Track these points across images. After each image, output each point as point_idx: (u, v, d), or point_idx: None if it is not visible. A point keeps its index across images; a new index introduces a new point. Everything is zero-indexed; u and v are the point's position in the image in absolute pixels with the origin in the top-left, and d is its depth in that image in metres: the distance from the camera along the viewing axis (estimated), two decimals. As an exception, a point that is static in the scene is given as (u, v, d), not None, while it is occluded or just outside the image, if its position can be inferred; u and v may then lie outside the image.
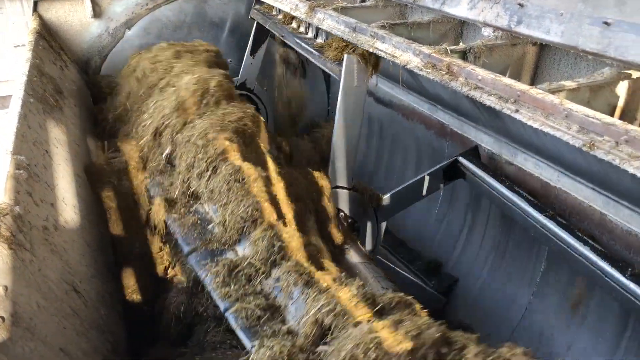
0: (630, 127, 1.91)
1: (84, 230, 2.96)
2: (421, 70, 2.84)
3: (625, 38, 2.26)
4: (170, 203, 3.13)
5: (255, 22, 4.94)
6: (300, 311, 2.20)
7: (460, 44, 3.37)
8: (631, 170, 1.84)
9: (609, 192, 2.65)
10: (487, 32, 3.07)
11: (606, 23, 2.32)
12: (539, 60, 3.15)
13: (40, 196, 2.65)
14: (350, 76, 3.29)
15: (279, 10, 4.33)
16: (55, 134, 3.44)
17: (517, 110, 2.31)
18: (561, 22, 2.55)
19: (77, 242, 2.79)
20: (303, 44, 3.94)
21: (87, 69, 5.27)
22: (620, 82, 2.49)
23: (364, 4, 4.14)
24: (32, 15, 4.97)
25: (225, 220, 2.76)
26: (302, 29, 4.09)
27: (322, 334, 2.05)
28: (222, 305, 2.44)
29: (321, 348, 1.99)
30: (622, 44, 2.28)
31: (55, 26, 5.08)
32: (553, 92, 2.31)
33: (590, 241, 2.52)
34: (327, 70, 3.60)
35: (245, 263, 2.54)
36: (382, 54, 3.17)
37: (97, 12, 5.18)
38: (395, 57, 3.06)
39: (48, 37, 4.83)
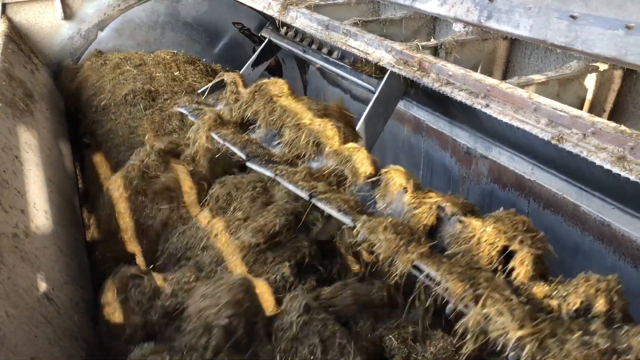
0: (596, 119, 1.93)
1: (56, 236, 2.92)
2: (393, 67, 2.85)
3: (591, 31, 2.29)
4: (220, 120, 3.17)
5: (267, 39, 4.91)
6: (404, 208, 2.18)
7: (432, 40, 3.39)
8: (598, 162, 1.87)
9: (581, 183, 2.68)
10: (458, 27, 3.08)
11: (573, 17, 2.35)
12: (510, 55, 3.18)
13: (9, 203, 2.60)
14: (388, 89, 3.24)
15: (295, 32, 4.32)
16: (26, 139, 3.39)
17: (487, 105, 2.33)
18: (530, 16, 2.57)
19: (49, 248, 2.74)
20: (331, 59, 3.95)
21: (59, 72, 5.20)
22: (588, 74, 2.52)
23: (336, 1, 4.14)
24: (1, 18, 4.88)
25: (297, 138, 2.77)
26: (325, 49, 4.07)
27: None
28: (304, 194, 2.42)
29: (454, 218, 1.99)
30: (589, 37, 2.31)
31: (25, 29, 5.00)
32: (522, 86, 2.33)
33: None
34: (361, 82, 3.63)
35: (328, 170, 2.54)
36: (355, 52, 3.17)
37: (67, 14, 5.10)
38: (368, 54, 3.06)
39: (18, 40, 4.74)
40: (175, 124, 4.19)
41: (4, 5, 4.86)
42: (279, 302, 2.47)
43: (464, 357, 1.73)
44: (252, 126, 3.14)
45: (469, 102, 2.41)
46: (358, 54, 3.17)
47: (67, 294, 2.61)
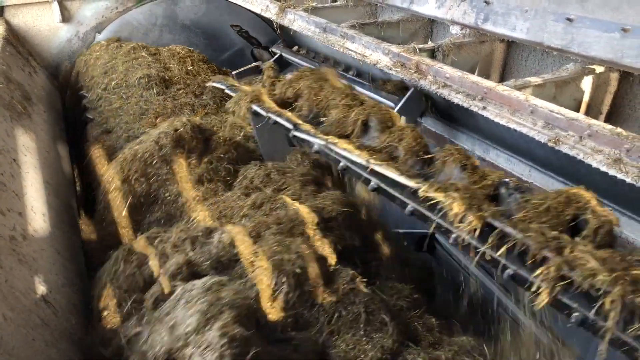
0: (592, 121, 1.94)
1: (54, 238, 2.91)
2: (390, 69, 2.85)
3: (587, 34, 2.29)
4: (260, 97, 3.21)
5: (278, 54, 4.95)
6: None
7: (429, 42, 3.39)
8: (594, 164, 1.87)
9: (578, 185, 2.68)
10: (455, 30, 3.09)
11: (569, 19, 2.36)
12: (507, 57, 3.19)
13: (7, 205, 2.59)
14: (408, 107, 3.22)
15: (307, 50, 4.35)
16: (24, 142, 3.38)
17: (484, 107, 2.33)
18: (526, 19, 2.58)
19: (46, 250, 2.74)
20: (349, 76, 3.91)
21: (57, 74, 5.20)
22: (585, 77, 2.53)
23: (334, 4, 4.15)
24: (-1, 20, 4.89)
25: (345, 117, 2.76)
26: (340, 68, 4.03)
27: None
28: (362, 160, 2.43)
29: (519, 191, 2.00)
30: (585, 39, 2.32)
31: (23, 32, 5.00)
32: (519, 88, 2.34)
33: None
34: (382, 100, 3.58)
35: (380, 147, 2.54)
36: (352, 54, 3.17)
37: (66, 17, 5.11)
38: (365, 56, 3.07)
39: (16, 43, 4.75)
40: (187, 113, 4.24)
41: (1, 8, 4.86)
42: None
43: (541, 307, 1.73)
44: (292, 106, 3.16)
45: (466, 105, 2.42)
46: (355, 57, 3.17)
47: (64, 296, 2.61)
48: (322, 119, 2.93)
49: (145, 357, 2.00)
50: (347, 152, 2.51)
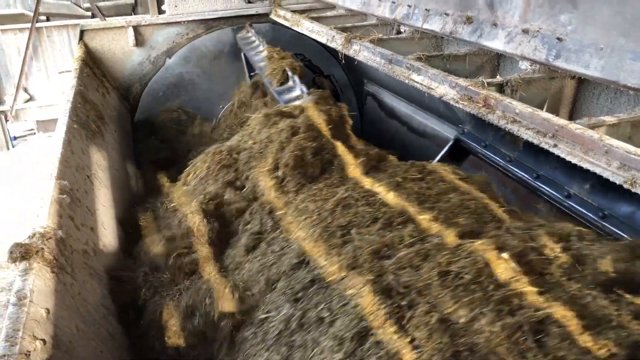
0: (674, 165, 1.87)
1: (121, 254, 3.02)
2: (457, 102, 2.84)
3: (668, 74, 2.23)
4: None
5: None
6: None
7: (497, 76, 3.37)
8: (675, 209, 1.80)
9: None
10: (524, 65, 3.06)
11: (648, 58, 2.30)
12: (578, 94, 3.12)
13: (81, 220, 2.72)
14: None
15: None
16: (97, 160, 3.55)
17: (555, 145, 2.29)
18: (601, 57, 2.53)
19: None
20: None
21: (128, 96, 5.44)
22: (663, 117, 2.44)
23: (400, 35, 4.19)
24: (78, 43, 5.17)
25: None
26: None
27: None
28: None
29: None
30: (665, 79, 2.25)
31: (99, 54, 5.28)
32: (592, 127, 2.28)
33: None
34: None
35: None
36: (418, 86, 3.18)
37: (139, 41, 5.36)
38: (432, 89, 3.07)
39: (92, 65, 5.01)
40: None
41: (82, 32, 5.16)
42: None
43: None
44: None
45: (535, 142, 2.38)
46: (421, 89, 3.18)
47: (129, 311, 2.69)
48: None
49: None
50: None
